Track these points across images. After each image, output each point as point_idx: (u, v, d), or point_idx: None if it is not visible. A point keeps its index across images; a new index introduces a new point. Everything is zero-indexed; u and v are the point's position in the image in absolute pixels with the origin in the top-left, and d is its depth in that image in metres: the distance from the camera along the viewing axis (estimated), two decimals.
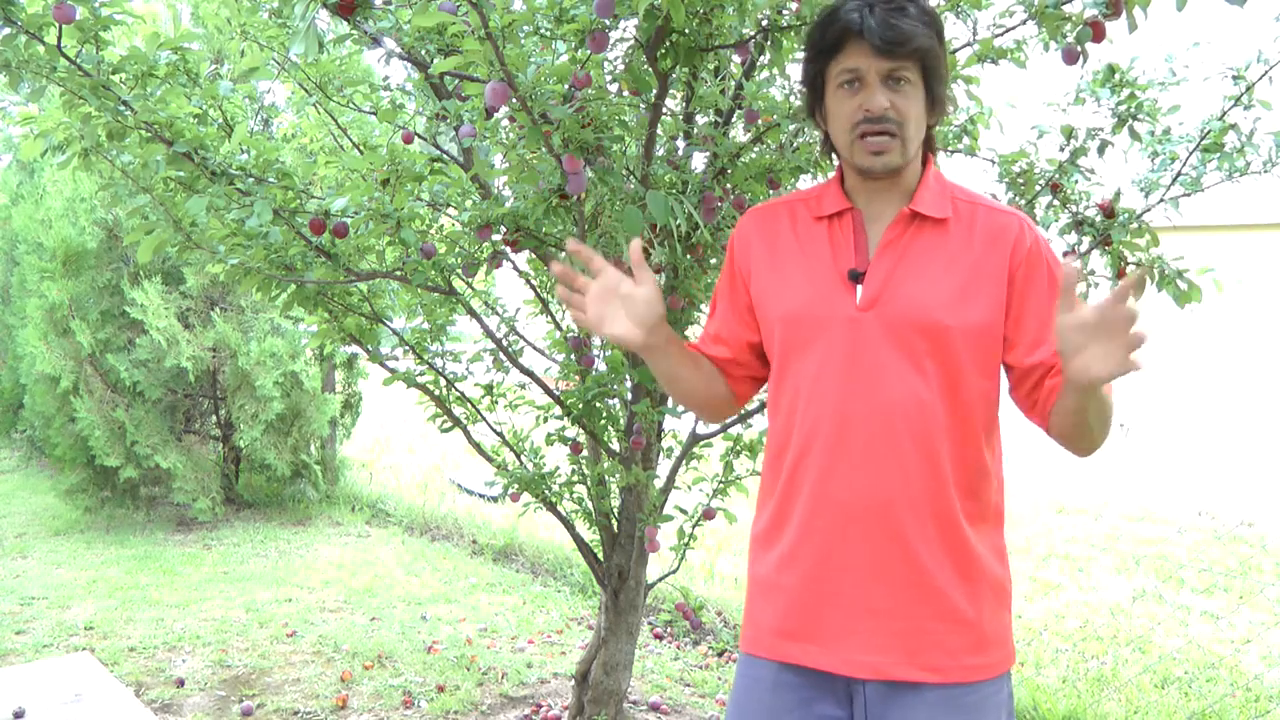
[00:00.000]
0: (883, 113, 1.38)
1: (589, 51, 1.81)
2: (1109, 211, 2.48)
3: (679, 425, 2.93)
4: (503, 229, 2.34)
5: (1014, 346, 1.42)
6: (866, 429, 1.39)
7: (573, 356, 2.75)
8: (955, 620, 1.40)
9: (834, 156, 1.52)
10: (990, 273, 1.40)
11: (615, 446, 2.76)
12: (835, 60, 1.41)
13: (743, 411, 2.61)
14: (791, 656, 1.45)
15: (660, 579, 3.08)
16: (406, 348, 2.86)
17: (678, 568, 2.98)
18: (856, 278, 1.43)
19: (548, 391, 2.82)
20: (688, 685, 3.71)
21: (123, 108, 2.09)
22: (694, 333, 2.67)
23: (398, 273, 2.53)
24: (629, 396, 2.71)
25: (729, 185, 2.29)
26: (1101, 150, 2.48)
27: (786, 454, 1.48)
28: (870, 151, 1.40)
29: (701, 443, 2.85)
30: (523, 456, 2.90)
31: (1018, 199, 2.52)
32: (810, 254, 1.48)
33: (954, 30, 2.16)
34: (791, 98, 2.28)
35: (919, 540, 1.39)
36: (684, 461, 2.86)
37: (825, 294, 1.44)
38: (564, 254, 2.65)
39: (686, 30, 1.94)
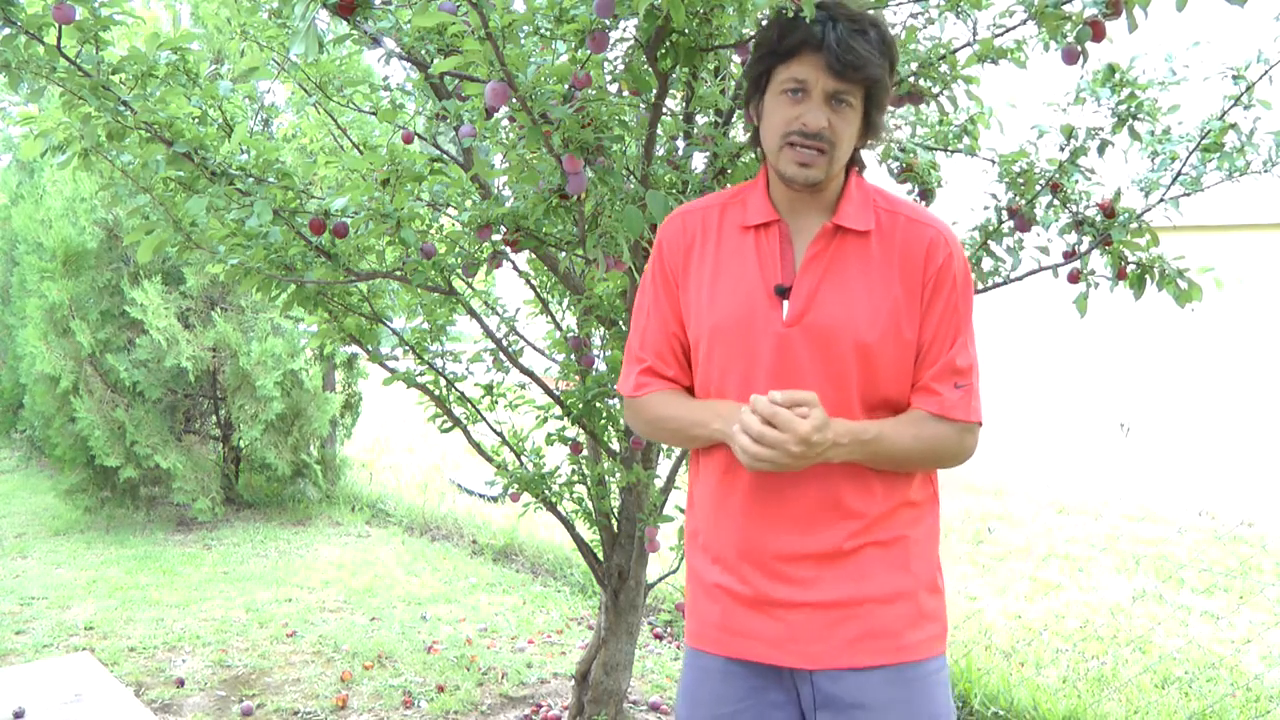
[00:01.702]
0: (819, 130, 1.40)
1: (589, 51, 1.81)
2: (1109, 211, 2.48)
3: None
4: (503, 229, 2.35)
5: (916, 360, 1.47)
6: None
7: (573, 356, 2.75)
8: (891, 608, 1.46)
9: (758, 153, 1.53)
10: (909, 288, 1.44)
11: (615, 446, 2.75)
12: (786, 66, 1.43)
13: None
14: (737, 651, 1.50)
15: (660, 579, 3.08)
16: (406, 348, 2.86)
17: (678, 568, 2.98)
18: (783, 293, 1.45)
19: (548, 391, 2.82)
20: None
21: (123, 108, 2.09)
22: None
23: (398, 273, 2.53)
24: None
25: (729, 185, 2.29)
26: (1101, 150, 2.48)
27: (714, 462, 1.52)
28: (796, 162, 1.42)
29: None
30: (523, 456, 2.90)
31: (1018, 198, 2.52)
32: (738, 265, 1.50)
33: (954, 30, 2.16)
34: None
35: (847, 539, 1.45)
36: (684, 461, 2.86)
37: (753, 308, 1.46)
38: (564, 254, 2.65)
39: (686, 30, 1.94)
